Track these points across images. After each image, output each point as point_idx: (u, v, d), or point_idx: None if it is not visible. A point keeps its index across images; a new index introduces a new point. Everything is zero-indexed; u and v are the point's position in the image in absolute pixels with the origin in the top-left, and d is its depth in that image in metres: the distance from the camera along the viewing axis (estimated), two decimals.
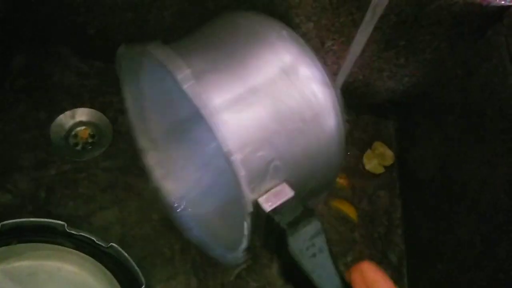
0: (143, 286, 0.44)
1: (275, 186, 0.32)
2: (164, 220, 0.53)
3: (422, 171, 0.56)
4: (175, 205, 0.44)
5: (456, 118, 0.50)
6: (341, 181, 0.60)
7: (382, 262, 0.55)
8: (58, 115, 0.57)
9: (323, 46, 0.54)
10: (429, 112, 0.57)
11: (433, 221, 0.52)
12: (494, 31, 0.45)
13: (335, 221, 0.57)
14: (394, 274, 0.55)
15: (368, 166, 0.61)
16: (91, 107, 0.58)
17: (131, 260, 0.45)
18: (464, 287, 0.44)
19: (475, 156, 0.45)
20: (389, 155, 0.62)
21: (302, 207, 0.31)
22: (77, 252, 0.45)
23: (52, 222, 0.45)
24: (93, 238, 0.45)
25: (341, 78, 0.38)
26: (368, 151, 0.62)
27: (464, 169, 0.46)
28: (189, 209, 0.45)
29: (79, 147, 0.57)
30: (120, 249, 0.45)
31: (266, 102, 0.33)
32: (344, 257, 0.55)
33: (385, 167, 0.62)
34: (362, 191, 0.60)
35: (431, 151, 0.55)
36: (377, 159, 0.62)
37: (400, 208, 0.59)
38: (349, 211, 0.57)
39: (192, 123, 0.46)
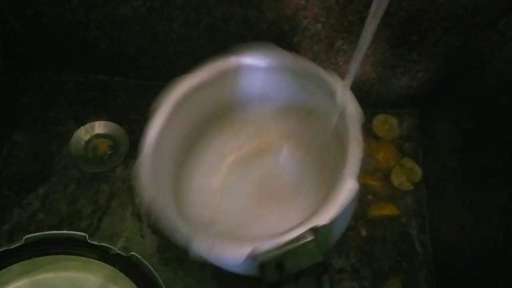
0: None
1: None
2: None
3: (443, 167, 0.55)
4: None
5: (472, 110, 0.49)
6: (374, 183, 0.57)
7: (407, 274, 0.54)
8: (77, 129, 0.59)
9: (333, 47, 0.54)
10: (446, 106, 0.56)
11: (457, 218, 0.51)
12: (506, 22, 0.44)
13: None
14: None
15: (396, 183, 0.58)
16: (107, 120, 0.60)
17: (152, 269, 0.45)
18: None
19: (492, 148, 0.44)
20: (417, 172, 0.59)
21: None
22: (99, 262, 0.46)
23: (74, 234, 0.46)
24: (114, 248, 0.45)
25: (350, 76, 0.38)
26: (396, 167, 0.59)
27: (483, 162, 0.45)
28: None
29: (97, 159, 0.58)
30: (141, 257, 0.45)
31: None
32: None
33: (413, 183, 0.58)
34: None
35: (450, 147, 0.54)
36: (406, 175, 0.58)
37: (425, 207, 0.58)
38: (391, 210, 0.56)
39: None
